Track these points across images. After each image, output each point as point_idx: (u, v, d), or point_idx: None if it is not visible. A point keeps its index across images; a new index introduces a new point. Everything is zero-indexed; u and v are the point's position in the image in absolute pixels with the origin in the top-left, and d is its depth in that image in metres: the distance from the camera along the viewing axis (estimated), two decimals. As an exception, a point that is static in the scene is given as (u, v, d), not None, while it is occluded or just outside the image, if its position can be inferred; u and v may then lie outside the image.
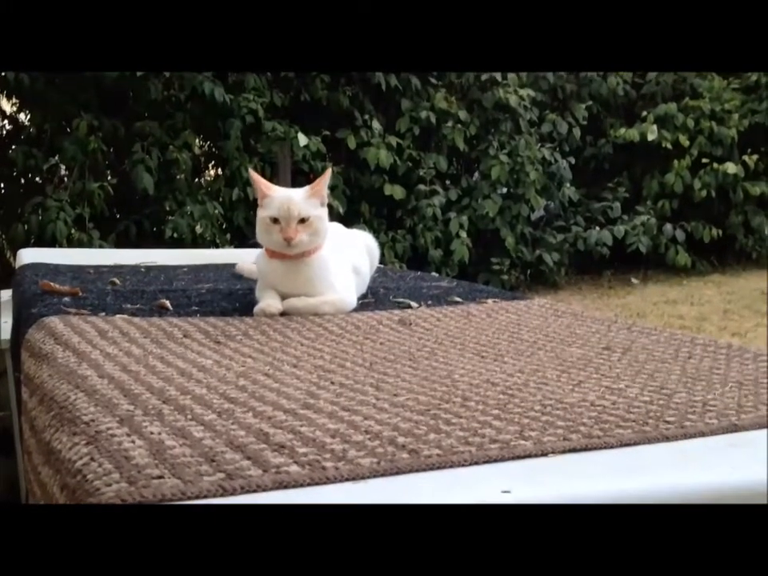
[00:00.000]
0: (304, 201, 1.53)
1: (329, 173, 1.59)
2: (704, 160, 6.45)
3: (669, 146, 6.43)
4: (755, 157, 6.50)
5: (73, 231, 4.88)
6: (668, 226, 6.34)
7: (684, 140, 6.44)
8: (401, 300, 1.73)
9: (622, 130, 6.49)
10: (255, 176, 1.58)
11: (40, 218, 4.91)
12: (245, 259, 2.13)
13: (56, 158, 5.28)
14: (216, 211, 5.29)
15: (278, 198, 1.53)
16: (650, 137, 6.37)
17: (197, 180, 5.80)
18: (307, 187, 1.57)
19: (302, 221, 1.52)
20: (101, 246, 4.82)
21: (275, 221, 1.52)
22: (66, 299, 1.59)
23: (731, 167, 6.34)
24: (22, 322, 1.53)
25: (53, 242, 4.72)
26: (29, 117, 5.63)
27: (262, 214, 1.55)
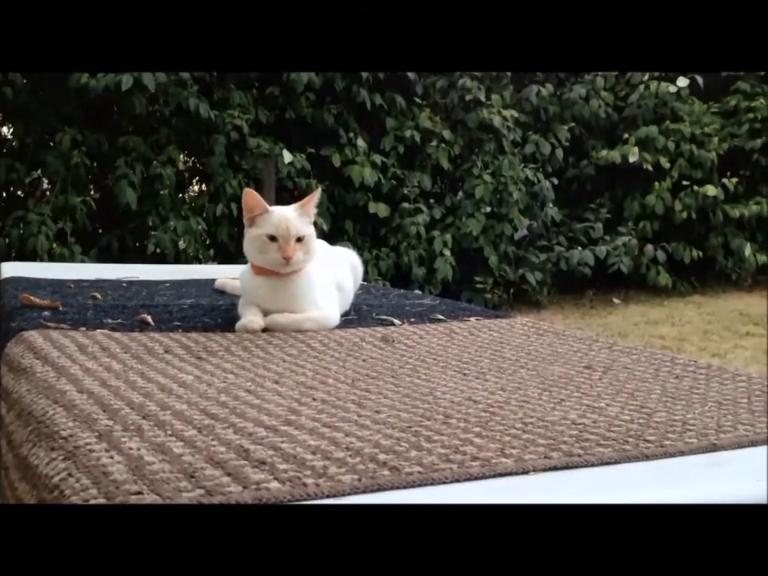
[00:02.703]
0: (298, 219, 1.53)
1: (318, 194, 1.58)
2: (684, 182, 6.53)
3: (650, 167, 6.51)
4: (735, 180, 6.59)
5: (54, 245, 4.84)
6: (649, 247, 6.40)
7: (665, 162, 6.52)
8: (384, 317, 1.73)
9: (604, 152, 6.56)
10: (253, 193, 1.54)
11: (21, 231, 4.87)
12: (231, 275, 2.13)
13: (38, 171, 5.25)
14: (199, 227, 5.27)
15: (275, 215, 1.52)
16: (632, 159, 6.44)
17: (180, 195, 5.78)
18: (296, 205, 1.56)
19: (299, 239, 1.52)
20: (82, 261, 4.79)
21: (272, 238, 1.51)
22: (46, 313, 1.58)
23: (711, 189, 6.42)
24: (1, 335, 1.51)
25: (34, 256, 4.68)
26: (11, 130, 5.60)
27: (257, 232, 1.52)
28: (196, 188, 6.16)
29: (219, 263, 5.21)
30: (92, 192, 5.52)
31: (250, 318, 1.53)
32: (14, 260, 4.45)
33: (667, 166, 6.53)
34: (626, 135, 6.62)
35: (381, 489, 0.74)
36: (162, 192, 5.29)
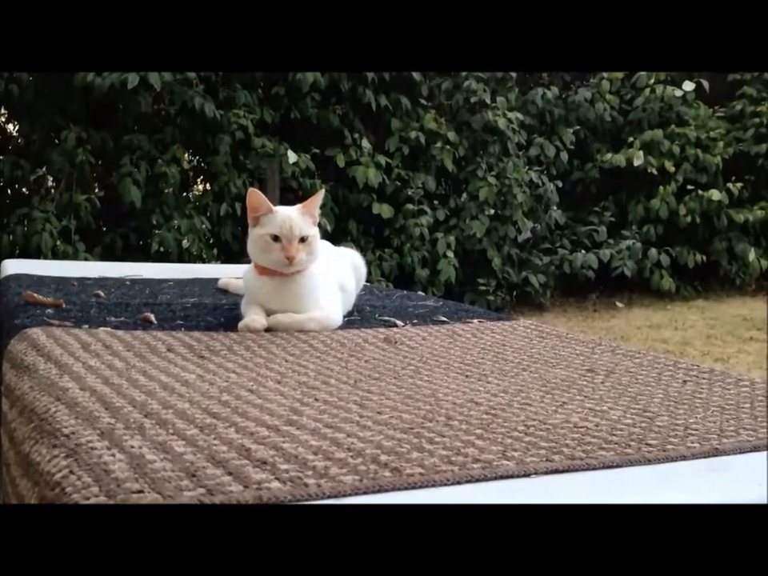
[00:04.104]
0: (302, 219, 1.53)
1: (321, 194, 1.58)
2: (689, 186, 6.53)
3: (654, 171, 6.50)
4: (739, 184, 6.58)
5: (58, 243, 4.85)
6: (653, 251, 6.39)
7: (669, 166, 6.51)
8: (386, 318, 1.73)
9: (609, 155, 6.56)
10: (257, 193, 1.54)
11: (25, 229, 4.88)
12: (234, 274, 2.13)
13: (43, 169, 5.26)
14: (203, 226, 5.28)
15: (279, 215, 1.52)
16: (636, 162, 6.44)
17: (185, 194, 5.79)
18: (299, 206, 1.56)
19: (302, 239, 1.52)
20: (86, 259, 4.80)
21: (276, 239, 1.51)
22: (50, 311, 1.58)
23: (716, 194, 6.41)
24: (4, 332, 1.52)
25: (38, 254, 4.69)
26: (17, 127, 5.61)
27: (261, 232, 1.52)
28: (200, 187, 6.17)
29: (223, 262, 5.22)
30: (96, 190, 5.52)
31: (253, 318, 1.53)
32: (18, 257, 4.45)
33: (672, 169, 6.52)
34: (631, 139, 6.61)
35: (382, 490, 0.74)
36: (166, 191, 5.30)
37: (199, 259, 5.28)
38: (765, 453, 0.90)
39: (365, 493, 0.73)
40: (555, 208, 6.43)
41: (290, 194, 5.39)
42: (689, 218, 6.43)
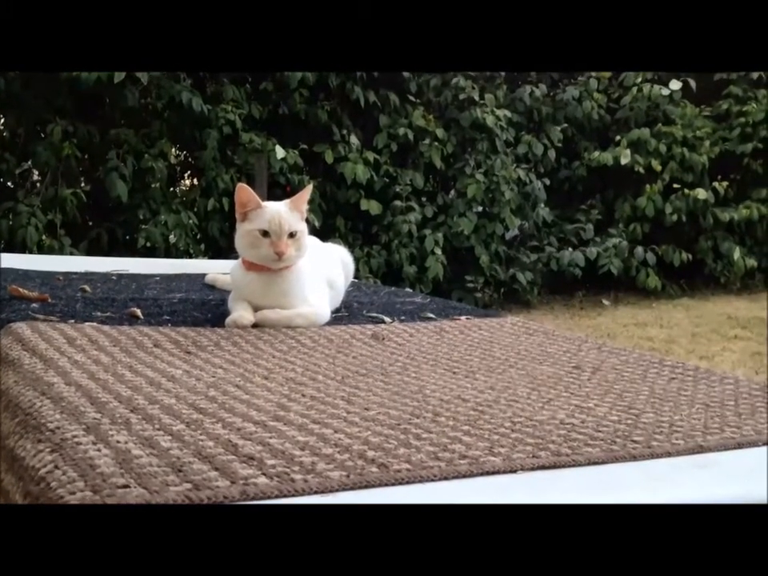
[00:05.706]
0: (290, 215, 1.52)
1: (309, 189, 1.58)
2: (675, 185, 6.56)
3: (641, 170, 6.53)
4: (725, 183, 6.62)
5: (44, 237, 4.81)
6: (639, 249, 6.42)
7: (656, 165, 6.54)
8: (374, 315, 1.73)
9: (596, 154, 6.58)
10: (246, 188, 1.53)
11: (10, 222, 4.84)
12: (222, 270, 2.12)
13: (29, 162, 5.21)
14: (190, 221, 5.25)
15: (268, 211, 1.52)
16: (623, 161, 6.46)
17: (172, 189, 5.76)
18: (287, 201, 1.56)
19: (291, 235, 1.51)
20: (72, 254, 4.76)
21: (265, 234, 1.51)
22: (35, 305, 1.57)
23: (702, 193, 6.45)
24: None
25: (23, 248, 4.65)
26: (2, 120, 5.56)
27: (250, 227, 1.52)
28: (187, 182, 6.14)
29: (210, 258, 5.20)
30: (83, 184, 5.48)
31: (240, 314, 1.52)
32: (3, 251, 4.42)
33: (659, 168, 6.55)
34: (618, 137, 6.64)
35: (369, 485, 0.74)
36: (153, 185, 5.27)
37: (186, 254, 5.26)
38: (748, 450, 0.90)
39: (351, 488, 0.73)
40: (543, 206, 6.44)
41: (278, 190, 5.37)
42: (675, 217, 6.47)
